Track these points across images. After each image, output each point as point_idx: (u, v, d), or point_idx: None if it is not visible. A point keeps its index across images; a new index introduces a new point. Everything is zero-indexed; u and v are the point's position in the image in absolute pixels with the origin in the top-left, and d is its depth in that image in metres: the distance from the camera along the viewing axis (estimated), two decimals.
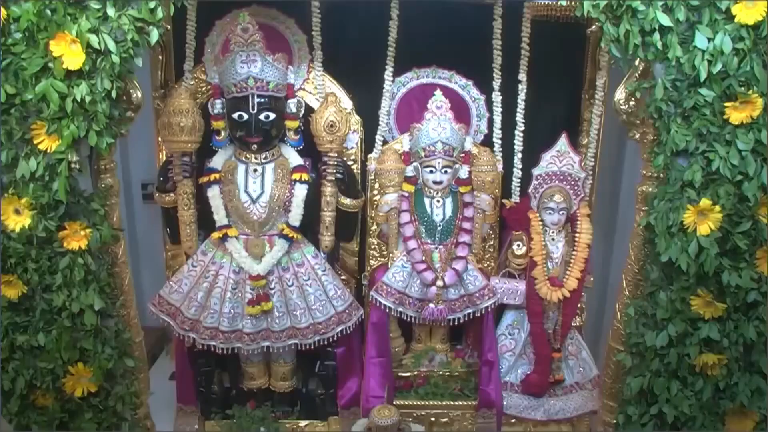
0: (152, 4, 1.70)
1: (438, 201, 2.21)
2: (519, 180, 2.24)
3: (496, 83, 2.20)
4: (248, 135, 2.05)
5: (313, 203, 2.14)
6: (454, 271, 2.16)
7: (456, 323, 2.25)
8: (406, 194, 2.20)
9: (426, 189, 2.21)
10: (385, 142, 2.26)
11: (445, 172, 2.16)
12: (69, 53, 1.64)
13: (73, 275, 1.79)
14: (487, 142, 2.27)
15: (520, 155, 2.22)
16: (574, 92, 2.38)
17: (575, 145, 2.26)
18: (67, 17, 1.64)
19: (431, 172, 2.16)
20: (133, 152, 2.85)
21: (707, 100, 1.69)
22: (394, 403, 2.19)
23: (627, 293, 2.04)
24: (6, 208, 1.71)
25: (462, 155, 2.18)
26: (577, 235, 2.19)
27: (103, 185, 1.91)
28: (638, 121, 1.93)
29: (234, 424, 2.28)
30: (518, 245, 2.21)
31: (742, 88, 1.67)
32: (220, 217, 2.11)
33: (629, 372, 2.00)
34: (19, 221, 1.72)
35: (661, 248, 1.81)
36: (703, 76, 1.68)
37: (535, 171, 2.18)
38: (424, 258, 2.17)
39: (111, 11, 1.67)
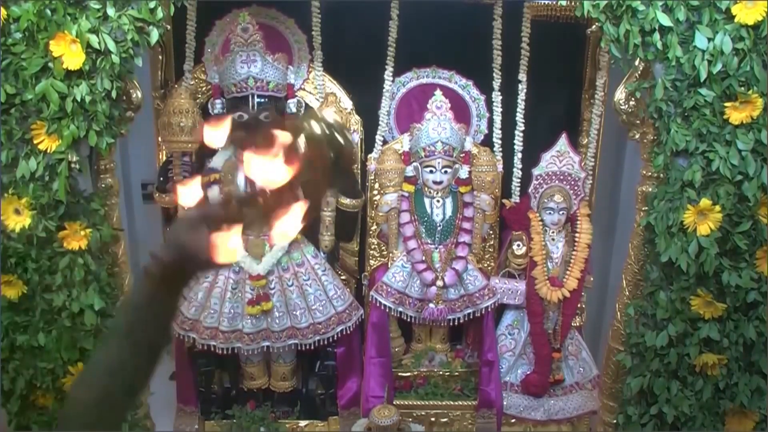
0: (152, 4, 1.70)
1: (438, 201, 2.21)
2: (519, 180, 2.24)
3: (496, 83, 2.19)
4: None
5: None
6: (454, 271, 2.16)
7: (456, 323, 2.25)
8: (406, 194, 2.20)
9: (426, 189, 2.21)
10: (385, 142, 2.26)
11: (445, 172, 2.16)
12: (69, 53, 1.65)
13: (73, 275, 1.79)
14: (487, 142, 2.27)
15: (520, 155, 2.22)
16: (574, 92, 2.37)
17: (575, 145, 2.26)
18: (67, 17, 1.64)
19: (431, 172, 2.16)
20: (133, 152, 2.85)
21: (707, 100, 1.70)
22: (394, 403, 2.18)
23: (627, 293, 2.04)
24: (6, 208, 1.71)
25: (462, 155, 2.18)
26: (577, 235, 2.19)
27: (103, 185, 1.91)
28: (638, 121, 1.93)
29: (234, 424, 2.28)
30: (518, 245, 2.21)
31: (742, 88, 1.67)
32: None
33: (629, 372, 2.00)
34: (19, 221, 1.72)
35: (661, 248, 1.82)
36: (703, 76, 1.68)
37: (535, 171, 2.18)
38: (424, 258, 2.17)
39: (111, 11, 1.67)
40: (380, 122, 2.23)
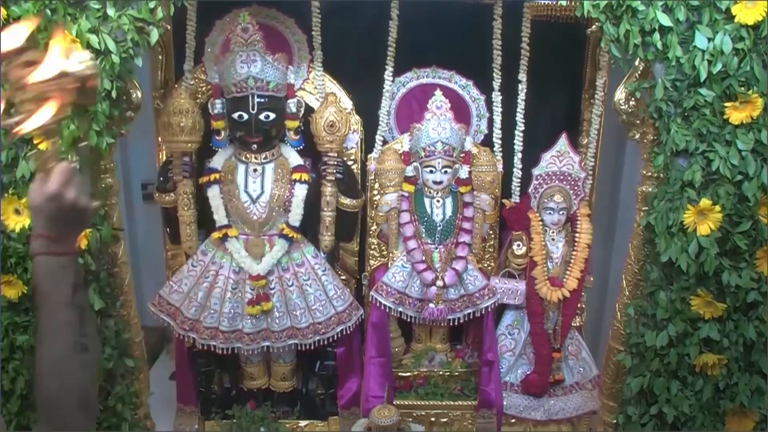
0: (152, 4, 1.70)
1: (438, 201, 2.21)
2: (519, 180, 2.24)
3: (496, 83, 2.19)
4: (248, 135, 2.05)
5: (313, 203, 2.14)
6: (454, 271, 2.16)
7: (456, 323, 2.25)
8: (406, 194, 2.21)
9: (426, 189, 2.21)
10: (385, 142, 2.26)
11: (445, 172, 2.16)
12: None
13: None
14: (487, 142, 2.27)
15: (520, 155, 2.22)
16: (574, 92, 2.37)
17: (575, 145, 2.26)
18: (67, 17, 1.64)
19: (431, 172, 2.16)
20: (133, 152, 2.85)
21: (707, 100, 1.69)
22: (394, 403, 2.18)
23: (627, 293, 2.04)
24: (6, 208, 1.71)
25: (462, 155, 2.18)
26: (577, 235, 2.19)
27: (103, 185, 1.91)
28: (638, 121, 1.93)
29: (234, 424, 2.28)
30: (518, 245, 2.21)
31: (742, 88, 1.67)
32: (220, 217, 2.11)
33: (629, 372, 2.00)
34: (19, 221, 1.72)
35: (661, 248, 1.81)
36: (703, 76, 1.68)
37: (535, 171, 2.18)
38: (424, 258, 2.17)
39: (111, 11, 1.67)
40: (380, 122, 2.23)
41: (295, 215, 2.11)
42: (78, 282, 1.07)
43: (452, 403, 2.33)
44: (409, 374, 2.37)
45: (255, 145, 2.08)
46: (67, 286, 1.05)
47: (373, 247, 2.33)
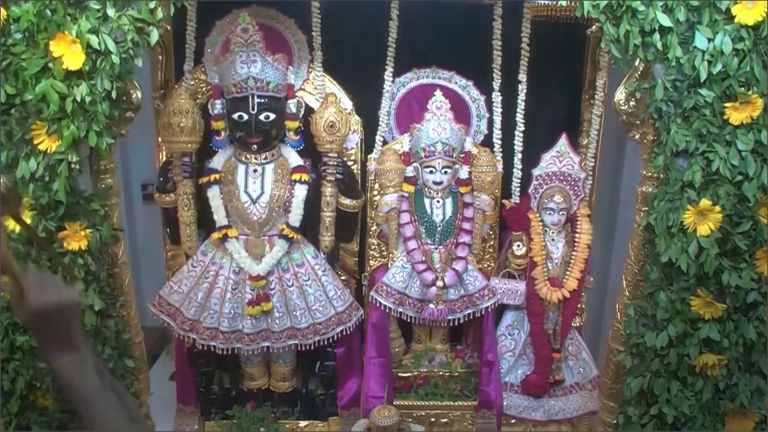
0: (152, 5, 1.70)
1: (438, 201, 2.21)
2: (519, 180, 2.24)
3: (496, 84, 2.19)
4: (248, 135, 2.05)
5: (313, 204, 2.14)
6: (454, 271, 2.16)
7: (456, 323, 2.25)
8: (406, 195, 2.20)
9: (426, 189, 2.21)
10: (385, 143, 2.26)
11: (445, 172, 2.16)
12: (69, 54, 1.64)
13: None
14: (487, 142, 2.27)
15: (520, 155, 2.22)
16: (574, 92, 2.37)
17: (575, 145, 2.26)
18: (67, 17, 1.64)
19: (431, 172, 2.16)
20: (133, 152, 2.85)
21: (707, 100, 1.70)
22: (394, 403, 2.18)
23: (627, 293, 2.04)
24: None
25: (462, 155, 2.18)
26: (577, 235, 2.19)
27: (103, 185, 1.91)
28: (638, 122, 1.93)
29: (234, 424, 2.28)
30: (518, 245, 2.21)
31: (742, 89, 1.67)
32: (220, 217, 2.11)
33: (629, 372, 2.00)
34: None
35: (661, 248, 1.82)
36: (703, 76, 1.68)
37: (535, 171, 2.18)
38: (424, 258, 2.17)
39: (111, 12, 1.67)
40: (380, 122, 2.23)
41: (295, 216, 2.10)
42: (100, 366, 1.11)
43: (452, 403, 2.33)
44: (409, 374, 2.37)
45: (255, 146, 2.08)
46: (93, 376, 1.08)
47: (373, 247, 2.33)
